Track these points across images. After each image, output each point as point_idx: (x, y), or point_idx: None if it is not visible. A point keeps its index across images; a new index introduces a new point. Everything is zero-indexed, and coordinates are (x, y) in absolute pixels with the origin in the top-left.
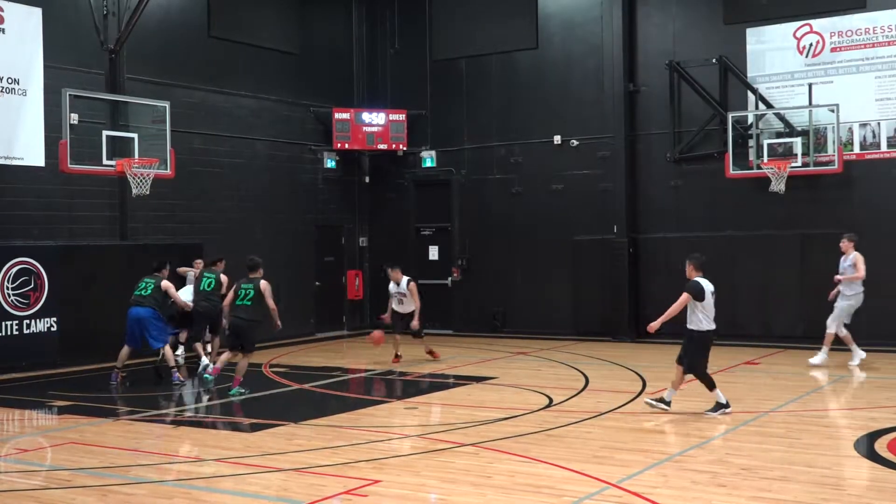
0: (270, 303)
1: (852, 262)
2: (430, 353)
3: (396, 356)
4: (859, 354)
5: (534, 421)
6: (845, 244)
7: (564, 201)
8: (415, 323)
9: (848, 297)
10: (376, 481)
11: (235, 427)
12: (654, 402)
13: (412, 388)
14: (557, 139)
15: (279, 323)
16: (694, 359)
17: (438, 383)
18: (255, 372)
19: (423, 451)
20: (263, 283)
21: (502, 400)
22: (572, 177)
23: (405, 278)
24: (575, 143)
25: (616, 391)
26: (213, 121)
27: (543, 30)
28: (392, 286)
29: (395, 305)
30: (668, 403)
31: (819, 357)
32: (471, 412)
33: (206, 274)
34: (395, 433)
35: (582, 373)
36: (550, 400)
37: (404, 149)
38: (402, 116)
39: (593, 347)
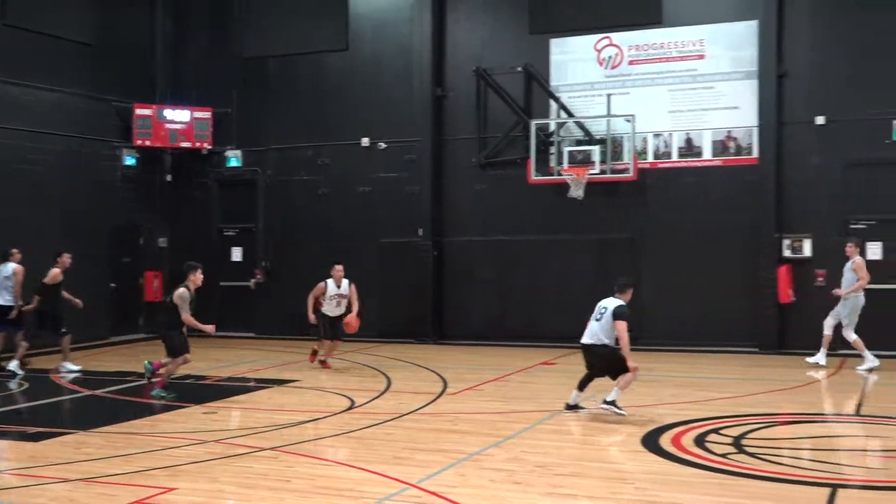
0: (185, 315)
1: (852, 267)
2: (323, 360)
3: (323, 362)
4: (871, 361)
5: (335, 423)
6: (850, 249)
7: (371, 204)
8: (352, 318)
9: (849, 301)
10: (171, 489)
11: (20, 436)
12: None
13: (212, 392)
14: (366, 141)
15: (210, 327)
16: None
17: (239, 387)
18: (42, 377)
19: (220, 456)
20: (177, 292)
21: (304, 403)
22: (380, 179)
23: (346, 280)
24: (383, 145)
25: (417, 392)
26: (9, 114)
27: (354, 31)
28: (332, 287)
29: (329, 309)
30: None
31: (819, 357)
32: (271, 416)
33: None
34: (192, 439)
35: (385, 375)
36: (352, 402)
37: (209, 147)
38: (207, 114)
39: (397, 349)
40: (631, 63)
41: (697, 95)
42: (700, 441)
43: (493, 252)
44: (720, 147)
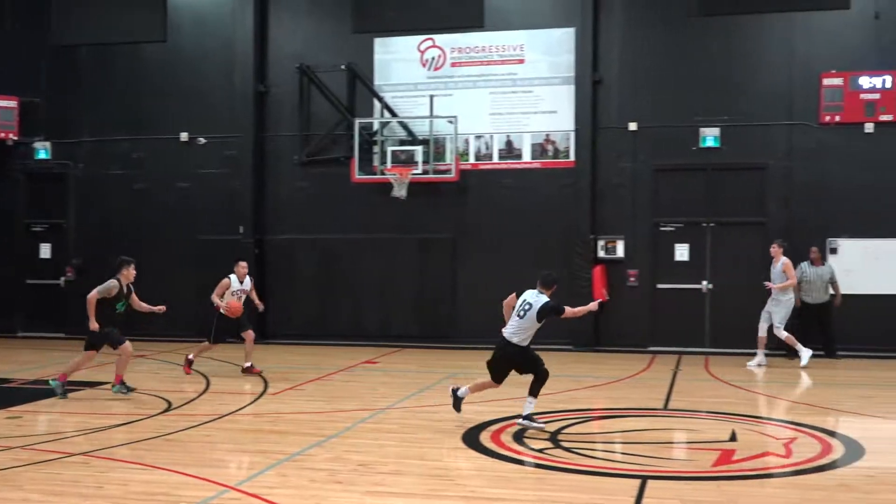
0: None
1: (782, 269)
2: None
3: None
4: (806, 353)
5: (151, 426)
6: (775, 250)
7: (191, 200)
8: (258, 303)
9: (783, 303)
10: None
11: None
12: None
13: (18, 395)
14: (184, 136)
15: (97, 325)
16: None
17: (47, 390)
18: None
19: (26, 462)
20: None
21: (118, 406)
22: (199, 175)
23: (248, 276)
24: (202, 140)
25: (238, 393)
26: None
27: (172, 23)
28: (235, 283)
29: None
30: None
31: (757, 359)
32: (83, 420)
33: None
34: None
35: (204, 375)
36: (169, 404)
37: (15, 138)
38: (13, 103)
39: (218, 349)
40: (454, 65)
41: (518, 99)
42: (519, 437)
43: (315, 250)
44: (539, 150)
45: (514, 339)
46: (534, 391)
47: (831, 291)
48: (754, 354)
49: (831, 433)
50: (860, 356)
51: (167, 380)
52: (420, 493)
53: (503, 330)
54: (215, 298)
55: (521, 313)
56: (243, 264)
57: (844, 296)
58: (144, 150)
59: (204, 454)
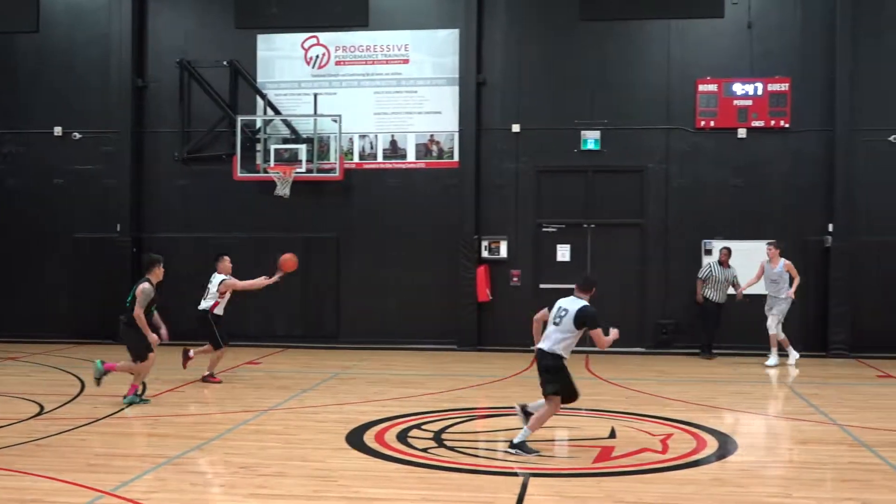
0: (138, 309)
1: (784, 269)
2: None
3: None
4: (794, 355)
5: (22, 431)
6: (772, 251)
7: (66, 197)
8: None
9: (784, 301)
10: None
11: None
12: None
13: None
14: (58, 130)
15: (156, 336)
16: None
17: None
18: None
19: None
20: (143, 286)
21: None
22: (75, 171)
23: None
24: (77, 135)
25: (115, 395)
26: None
27: (45, 13)
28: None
29: (222, 308)
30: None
31: (772, 359)
32: None
33: None
34: None
35: (78, 378)
36: (42, 407)
37: None
38: None
39: (94, 351)
40: (338, 63)
41: (402, 99)
42: (402, 437)
43: (197, 249)
44: (423, 150)
45: (551, 348)
46: (530, 418)
47: (731, 292)
48: (634, 353)
49: (706, 429)
50: (733, 354)
51: (40, 382)
52: (303, 495)
53: (539, 344)
54: (251, 283)
55: (557, 320)
56: (228, 258)
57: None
58: (17, 145)
59: (78, 459)
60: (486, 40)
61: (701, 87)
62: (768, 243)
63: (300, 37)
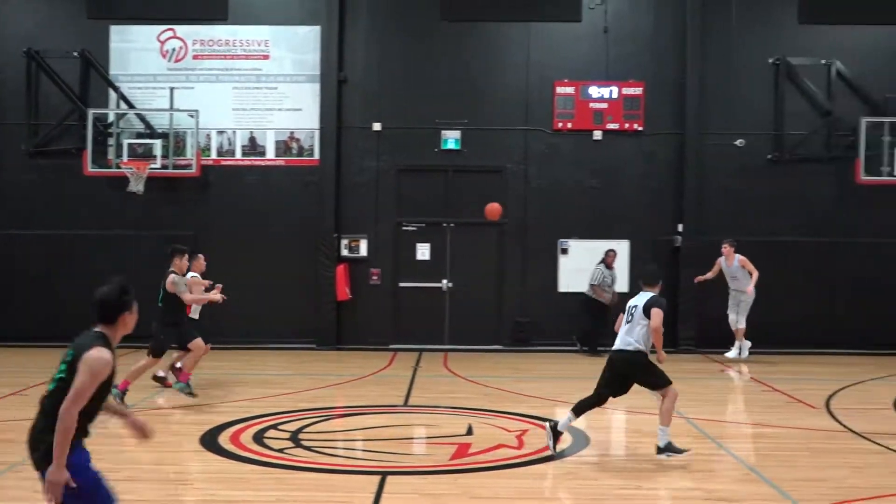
0: (186, 297)
1: (741, 265)
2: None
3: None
4: (746, 345)
5: None
6: (727, 249)
7: None
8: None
9: (748, 296)
10: None
11: None
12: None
13: None
14: None
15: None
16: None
17: None
18: None
19: None
20: (170, 278)
21: None
22: None
23: None
24: None
25: None
26: None
27: None
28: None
29: (197, 310)
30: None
31: (733, 352)
32: None
33: None
34: None
35: None
36: None
37: None
38: None
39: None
40: (196, 57)
41: (262, 95)
42: (259, 437)
43: (43, 247)
44: (283, 147)
45: (633, 346)
46: (660, 415)
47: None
48: (491, 351)
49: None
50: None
51: None
52: (157, 500)
53: (616, 346)
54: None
55: (629, 318)
56: (203, 256)
57: (576, 294)
58: None
59: None
60: (348, 38)
61: (558, 90)
62: (724, 242)
63: (156, 29)
